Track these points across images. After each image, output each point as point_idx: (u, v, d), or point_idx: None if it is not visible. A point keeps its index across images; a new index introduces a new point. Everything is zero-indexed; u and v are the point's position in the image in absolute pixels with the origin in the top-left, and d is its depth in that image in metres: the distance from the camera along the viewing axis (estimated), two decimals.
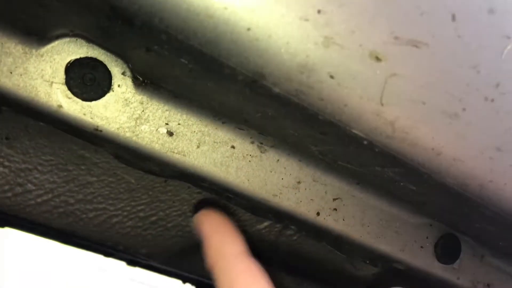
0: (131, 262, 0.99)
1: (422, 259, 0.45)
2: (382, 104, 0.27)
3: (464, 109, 0.27)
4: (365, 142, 0.29)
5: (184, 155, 0.37)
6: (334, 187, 0.42)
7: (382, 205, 0.43)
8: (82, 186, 0.49)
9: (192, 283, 1.06)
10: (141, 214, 0.51)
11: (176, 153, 0.36)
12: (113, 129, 0.35)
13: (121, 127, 0.35)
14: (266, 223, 0.55)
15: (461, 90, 0.27)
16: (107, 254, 0.69)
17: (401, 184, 0.36)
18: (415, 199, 0.39)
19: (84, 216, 0.50)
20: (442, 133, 0.28)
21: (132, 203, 0.51)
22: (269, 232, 0.55)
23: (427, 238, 0.45)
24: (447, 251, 0.46)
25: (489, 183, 0.31)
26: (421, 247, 0.45)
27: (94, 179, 0.49)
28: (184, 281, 1.06)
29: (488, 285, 0.49)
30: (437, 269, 0.45)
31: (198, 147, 0.37)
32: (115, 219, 0.51)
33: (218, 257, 0.36)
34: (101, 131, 0.35)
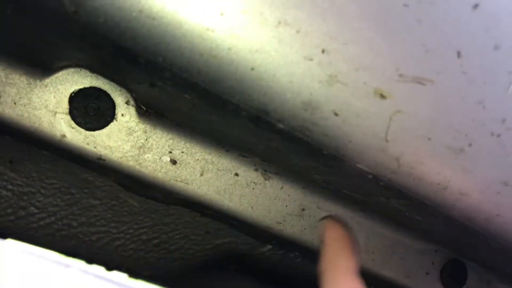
0: (133, 274, 0.98)
1: (428, 286, 0.44)
2: (387, 141, 0.26)
3: (470, 145, 0.27)
4: (370, 176, 0.29)
5: (187, 183, 0.37)
6: (339, 213, 0.41)
7: (387, 232, 0.43)
8: (85, 209, 0.49)
9: None
10: (144, 237, 0.51)
11: (180, 181, 0.36)
12: (116, 158, 0.35)
13: (124, 156, 0.35)
14: (269, 246, 0.54)
15: (466, 125, 0.27)
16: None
17: (406, 214, 0.35)
18: (420, 227, 0.39)
19: (87, 239, 0.50)
20: (448, 168, 0.28)
21: (135, 226, 0.50)
22: (273, 255, 0.55)
23: (432, 264, 0.45)
24: (453, 277, 0.45)
25: (496, 217, 0.30)
26: (427, 273, 0.44)
27: (97, 202, 0.49)
28: None
29: None
30: None
31: (201, 175, 0.37)
32: (117, 242, 0.51)
33: (330, 266, 0.37)
34: (104, 160, 0.35)
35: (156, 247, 0.52)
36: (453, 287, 0.45)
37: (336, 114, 0.25)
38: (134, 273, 0.54)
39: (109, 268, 0.56)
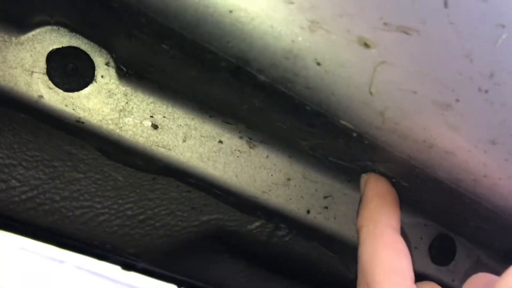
0: (126, 267, 0.97)
1: (416, 260, 0.44)
2: (371, 93, 0.26)
3: (457, 100, 0.26)
4: (355, 134, 0.28)
5: (170, 149, 0.36)
6: (325, 184, 0.40)
7: None
8: (68, 183, 0.48)
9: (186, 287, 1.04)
10: (129, 213, 0.50)
11: (161, 147, 0.35)
12: (95, 121, 0.34)
13: (104, 119, 0.34)
14: (257, 223, 0.53)
15: (453, 79, 0.26)
16: (95, 255, 0.68)
17: (394, 180, 0.34)
18: (408, 197, 0.38)
19: (70, 214, 0.49)
20: (434, 125, 0.27)
21: (120, 201, 0.49)
22: (260, 233, 0.54)
23: (421, 238, 0.44)
24: (442, 252, 0.44)
25: (483, 178, 0.29)
26: (415, 247, 0.44)
27: (81, 175, 0.48)
28: (179, 286, 1.04)
29: None
30: (431, 270, 0.44)
31: (184, 141, 0.36)
32: (102, 217, 0.50)
33: (369, 221, 0.34)
34: (83, 123, 0.34)
35: (142, 223, 0.51)
36: (442, 262, 0.45)
37: (318, 64, 0.25)
38: (119, 250, 0.53)
39: (95, 248, 0.55)
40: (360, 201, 0.36)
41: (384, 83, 0.25)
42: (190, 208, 0.51)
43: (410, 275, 0.33)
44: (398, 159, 0.30)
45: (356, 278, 0.61)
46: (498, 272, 0.49)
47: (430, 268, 0.44)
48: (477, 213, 0.34)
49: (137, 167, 0.39)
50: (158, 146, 0.35)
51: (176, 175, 0.38)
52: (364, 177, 0.36)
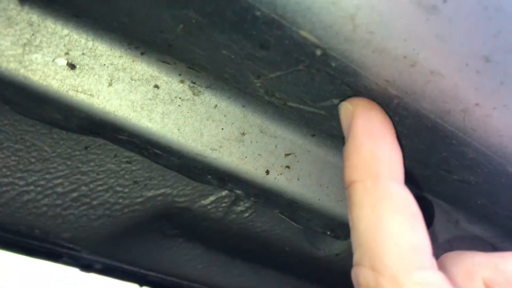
0: (84, 268, 0.88)
1: None
2: None
3: (444, 1, 0.21)
4: (318, 53, 0.22)
5: (92, 95, 0.29)
6: (286, 140, 0.34)
7: (341, 161, 0.36)
8: None
9: (149, 285, 0.97)
10: (59, 190, 0.42)
11: (81, 92, 0.28)
12: None
13: (2, 55, 0.27)
14: (211, 198, 0.47)
15: None
16: (23, 249, 0.59)
17: None
18: None
19: None
20: (417, 34, 0.21)
21: (47, 176, 0.42)
22: (216, 209, 0.48)
23: None
24: None
25: (474, 108, 0.24)
26: None
27: None
28: (141, 285, 0.96)
29: None
30: None
31: (110, 85, 0.29)
32: (26, 196, 0.42)
33: (366, 174, 0.25)
34: None
35: (75, 202, 0.43)
36: None
37: None
38: (52, 236, 0.45)
39: (22, 236, 0.47)
40: (345, 143, 0.26)
41: None
42: (131, 182, 0.44)
43: (429, 249, 0.24)
44: (373, 86, 0.24)
45: (325, 255, 0.55)
46: (478, 236, 0.45)
47: None
48: (463, 158, 0.28)
49: (55, 123, 0.31)
50: (77, 91, 0.28)
51: (103, 131, 0.31)
52: (346, 106, 0.26)
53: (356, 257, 0.24)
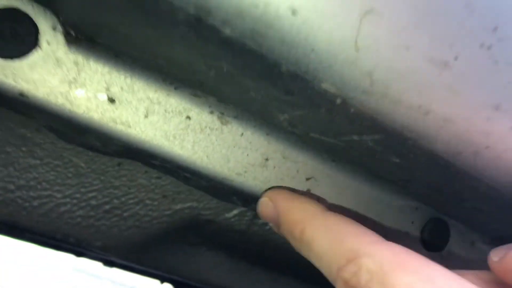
0: (107, 263, 0.93)
1: (408, 246, 0.40)
2: (357, 49, 0.22)
3: (456, 58, 0.23)
4: (339, 101, 0.24)
5: (129, 126, 0.31)
6: (307, 165, 0.36)
7: (362, 185, 0.38)
8: (23, 171, 0.43)
9: (171, 283, 1.00)
10: (93, 202, 0.45)
11: (120, 123, 0.31)
12: (42, 94, 0.29)
13: (51, 92, 0.29)
14: (235, 211, 0.49)
15: (452, 33, 0.22)
16: (59, 248, 0.63)
17: (383, 156, 0.31)
18: (398, 176, 0.34)
19: (27, 204, 0.44)
20: (430, 87, 0.23)
21: (82, 190, 0.45)
22: (239, 221, 0.50)
23: (412, 223, 0.40)
24: (434, 237, 0.41)
25: (485, 150, 0.26)
26: (407, 233, 0.40)
27: (38, 162, 0.43)
28: (162, 281, 1.00)
29: None
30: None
31: (146, 117, 0.32)
32: (63, 208, 0.45)
33: (306, 217, 0.31)
34: (27, 96, 0.29)
35: (108, 214, 0.46)
36: (435, 248, 0.41)
37: (294, 13, 0.20)
38: (85, 243, 0.48)
39: (58, 241, 0.50)
40: (278, 218, 0.34)
41: (372, 37, 0.21)
42: (160, 196, 0.47)
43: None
44: (389, 130, 0.26)
45: None
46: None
47: (422, 255, 0.41)
48: (475, 192, 0.30)
49: (94, 148, 0.34)
50: (116, 122, 0.31)
51: (138, 157, 0.33)
52: (263, 198, 0.35)
53: None
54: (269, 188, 0.36)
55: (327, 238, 0.28)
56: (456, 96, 0.24)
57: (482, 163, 0.27)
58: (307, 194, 0.35)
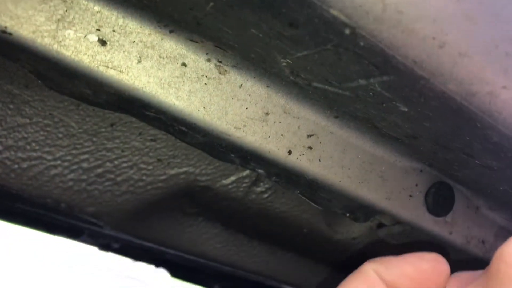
0: (103, 247, 0.91)
1: (411, 210, 0.39)
2: None
3: None
4: (347, 32, 0.22)
5: (121, 71, 0.29)
6: (309, 121, 0.35)
7: (365, 144, 0.37)
8: (11, 130, 0.41)
9: (165, 267, 0.99)
10: (85, 165, 0.44)
11: (111, 67, 0.29)
12: (27, 32, 0.27)
13: (37, 30, 0.27)
14: (232, 178, 0.48)
15: None
16: (46, 226, 0.61)
17: (390, 105, 0.29)
18: (405, 131, 0.32)
19: (16, 166, 0.42)
20: (447, 15, 0.21)
21: (74, 152, 0.43)
22: (236, 189, 0.49)
23: (416, 185, 0.39)
24: (439, 201, 0.40)
25: (501, 90, 0.24)
26: (410, 195, 0.39)
27: (26, 121, 0.41)
28: (157, 266, 0.98)
29: (483, 241, 0.43)
30: (427, 221, 0.39)
31: (139, 61, 0.30)
32: (54, 171, 0.43)
33: None
34: (10, 34, 0.27)
35: (100, 178, 0.44)
36: (439, 212, 0.40)
37: None
38: (77, 210, 0.46)
39: (49, 209, 0.49)
40: None
41: None
42: (155, 160, 0.45)
43: None
44: (400, 67, 0.24)
45: (342, 238, 0.56)
46: (498, 224, 0.44)
47: (426, 219, 0.39)
48: (488, 142, 0.29)
49: (85, 98, 0.32)
50: (107, 67, 0.29)
51: (131, 107, 0.32)
52: None
53: None
54: None
55: None
56: (474, 26, 0.22)
57: (497, 106, 0.25)
58: None
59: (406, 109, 0.29)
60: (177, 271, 0.95)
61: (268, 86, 0.33)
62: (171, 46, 0.30)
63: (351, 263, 0.58)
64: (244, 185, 0.48)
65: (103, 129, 0.42)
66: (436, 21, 0.21)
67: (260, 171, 0.37)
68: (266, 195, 0.50)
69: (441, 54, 0.23)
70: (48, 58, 0.28)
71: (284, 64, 0.29)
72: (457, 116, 0.27)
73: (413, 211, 0.39)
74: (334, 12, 0.21)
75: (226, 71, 0.32)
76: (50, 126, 0.41)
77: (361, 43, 0.23)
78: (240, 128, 0.33)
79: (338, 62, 0.26)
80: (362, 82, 0.27)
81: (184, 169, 0.46)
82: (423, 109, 0.28)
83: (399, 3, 0.21)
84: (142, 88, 0.30)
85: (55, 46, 0.28)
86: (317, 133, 0.35)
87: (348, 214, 0.40)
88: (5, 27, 0.27)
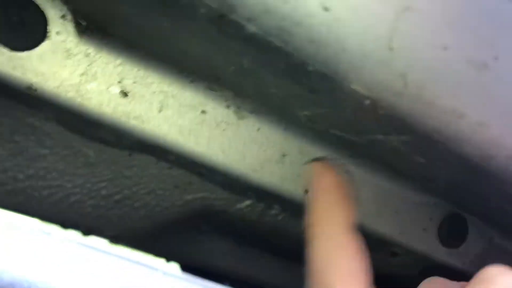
0: (114, 240, 0.92)
1: (425, 243, 0.39)
2: (391, 49, 0.20)
3: (496, 58, 0.21)
4: (367, 102, 0.23)
5: (143, 121, 0.30)
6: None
7: (380, 181, 0.37)
8: (32, 160, 0.42)
9: (175, 261, 1.00)
10: (104, 192, 0.44)
11: (133, 118, 0.30)
12: (52, 87, 0.28)
13: (61, 85, 0.28)
14: (247, 202, 0.48)
15: (493, 32, 0.21)
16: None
17: (408, 156, 0.29)
18: (421, 175, 0.33)
19: (36, 194, 0.43)
20: (467, 90, 0.22)
21: (93, 180, 0.44)
22: (251, 212, 0.49)
23: (430, 219, 0.39)
24: (452, 233, 0.40)
25: None
26: (424, 229, 0.39)
27: (47, 151, 0.42)
28: (168, 260, 1.00)
29: None
30: (441, 253, 0.40)
31: (160, 111, 0.30)
32: (73, 198, 0.44)
33: (320, 222, 0.32)
34: (36, 90, 0.28)
35: (118, 204, 0.45)
36: (452, 244, 0.40)
37: (326, 9, 0.19)
38: (95, 233, 0.47)
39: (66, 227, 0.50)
40: (306, 195, 0.32)
41: (408, 36, 0.20)
42: (172, 186, 0.46)
43: (367, 277, 0.31)
44: (419, 132, 0.24)
45: None
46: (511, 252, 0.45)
47: (439, 251, 0.40)
48: (504, 194, 0.29)
49: (107, 143, 0.33)
50: (129, 117, 0.30)
51: (153, 153, 0.32)
52: (306, 168, 0.32)
53: (312, 282, 0.31)
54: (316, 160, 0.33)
55: (321, 263, 0.30)
56: (493, 99, 0.22)
57: None
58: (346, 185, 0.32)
59: (424, 161, 0.29)
60: (188, 268, 0.97)
61: (284, 129, 0.33)
62: (191, 95, 0.31)
63: None
64: (258, 208, 0.49)
65: (121, 159, 0.43)
66: (456, 95, 0.22)
67: (276, 206, 0.38)
68: (280, 218, 0.50)
69: (460, 123, 0.23)
70: (71, 111, 0.29)
71: (302, 114, 0.29)
72: (475, 173, 0.27)
73: (427, 244, 0.39)
74: (355, 86, 0.22)
75: (244, 116, 0.32)
76: (69, 156, 0.42)
77: (381, 112, 0.23)
78: (257, 170, 0.33)
79: (357, 122, 0.26)
80: (380, 137, 0.28)
81: (200, 195, 0.46)
82: (440, 164, 0.28)
83: (421, 80, 0.21)
84: (163, 136, 0.30)
85: (78, 99, 0.28)
86: None
87: None
88: (31, 84, 0.27)
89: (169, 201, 0.46)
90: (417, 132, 0.25)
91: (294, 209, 0.37)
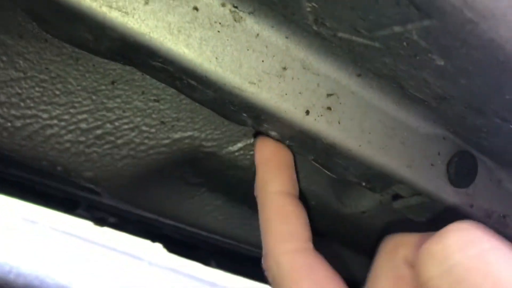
0: (98, 222, 0.88)
1: (432, 180, 0.36)
2: None
3: None
4: None
5: (126, 13, 0.26)
6: (329, 79, 0.32)
7: (388, 107, 0.34)
8: (3, 84, 0.38)
9: (161, 242, 0.97)
10: (83, 126, 0.41)
11: (115, 8, 0.26)
12: None
13: None
14: (239, 144, 0.45)
15: None
16: (39, 197, 0.58)
17: (425, 58, 0.26)
18: (434, 91, 0.30)
19: (8, 124, 0.39)
20: None
21: (72, 110, 0.40)
22: (243, 156, 0.46)
23: (438, 154, 0.36)
24: (461, 172, 0.37)
25: None
26: (432, 164, 0.36)
27: (20, 75, 0.38)
28: (153, 240, 0.96)
29: (504, 216, 0.41)
30: (448, 192, 0.37)
31: (146, 3, 0.27)
32: (50, 131, 0.40)
33: (260, 190, 0.37)
34: None
35: (99, 140, 0.42)
36: (460, 184, 0.37)
37: None
38: (73, 174, 0.44)
39: (44, 174, 0.46)
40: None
41: None
42: (159, 122, 0.42)
43: (303, 236, 0.34)
44: (447, 8, 0.21)
45: (351, 212, 0.53)
46: None
47: (447, 189, 0.37)
48: None
49: (85, 44, 0.29)
50: (111, 7, 0.26)
51: (135, 55, 0.29)
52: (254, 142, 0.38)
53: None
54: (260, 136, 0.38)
55: (262, 227, 0.36)
56: None
57: None
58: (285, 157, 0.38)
59: (442, 63, 0.26)
60: (173, 247, 0.93)
61: (287, 37, 0.30)
62: None
63: (358, 238, 0.56)
64: (251, 152, 0.45)
65: (103, 87, 0.39)
66: None
67: (273, 133, 0.34)
68: None
69: None
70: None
71: (309, 8, 0.26)
72: (502, 70, 0.24)
73: (434, 181, 0.36)
74: None
75: (241, 18, 0.29)
76: (46, 82, 0.38)
77: None
78: (254, 83, 0.30)
79: (373, 5, 0.23)
80: (397, 29, 0.24)
81: (189, 133, 0.43)
82: (462, 63, 0.25)
83: None
84: (149, 33, 0.27)
85: None
86: (337, 92, 0.32)
87: (364, 184, 0.38)
88: None
89: (154, 138, 0.43)
90: (444, 11, 0.21)
91: (293, 135, 0.34)
